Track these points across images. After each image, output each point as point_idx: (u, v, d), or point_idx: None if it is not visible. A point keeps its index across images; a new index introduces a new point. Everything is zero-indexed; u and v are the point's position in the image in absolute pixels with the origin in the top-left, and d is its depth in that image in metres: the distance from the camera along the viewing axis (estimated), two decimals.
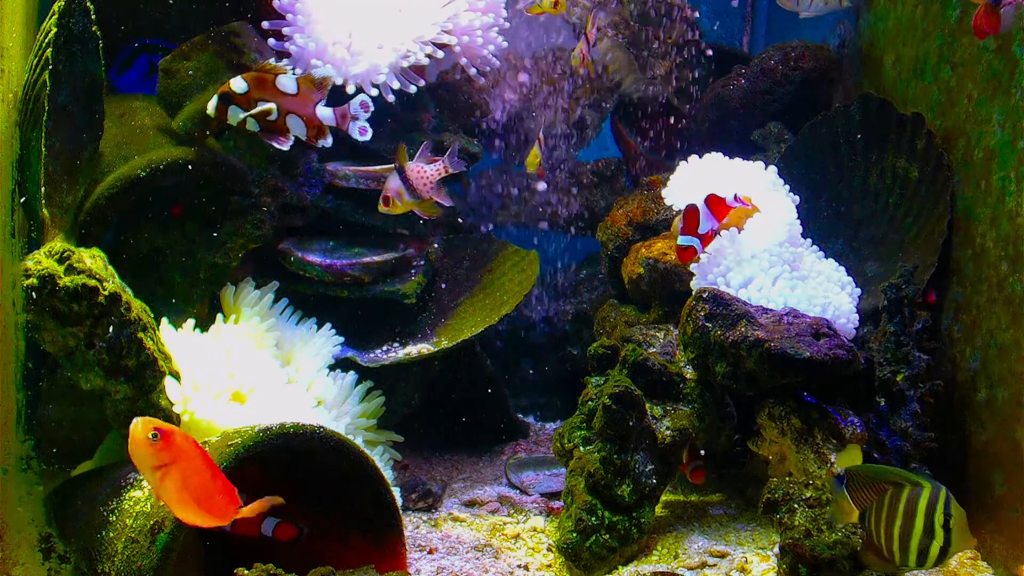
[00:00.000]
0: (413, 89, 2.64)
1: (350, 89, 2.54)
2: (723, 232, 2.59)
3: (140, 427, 1.59)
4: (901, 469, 1.96)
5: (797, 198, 2.69)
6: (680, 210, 2.60)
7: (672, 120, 3.44)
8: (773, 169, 2.74)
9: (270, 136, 2.29)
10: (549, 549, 2.35)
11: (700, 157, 2.78)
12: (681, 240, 2.45)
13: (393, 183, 2.40)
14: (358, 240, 2.75)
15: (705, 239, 2.46)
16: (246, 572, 1.74)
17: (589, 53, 2.93)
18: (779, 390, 2.24)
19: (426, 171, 2.39)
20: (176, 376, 2.12)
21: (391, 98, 2.59)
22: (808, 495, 2.01)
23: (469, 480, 2.84)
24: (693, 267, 2.59)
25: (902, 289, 2.46)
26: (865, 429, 2.22)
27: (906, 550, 1.78)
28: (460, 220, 3.18)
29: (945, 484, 2.45)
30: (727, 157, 2.78)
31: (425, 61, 2.63)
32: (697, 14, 3.45)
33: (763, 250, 2.49)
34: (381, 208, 2.45)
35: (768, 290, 2.45)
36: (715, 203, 2.46)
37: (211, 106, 2.25)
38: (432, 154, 2.47)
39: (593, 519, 2.24)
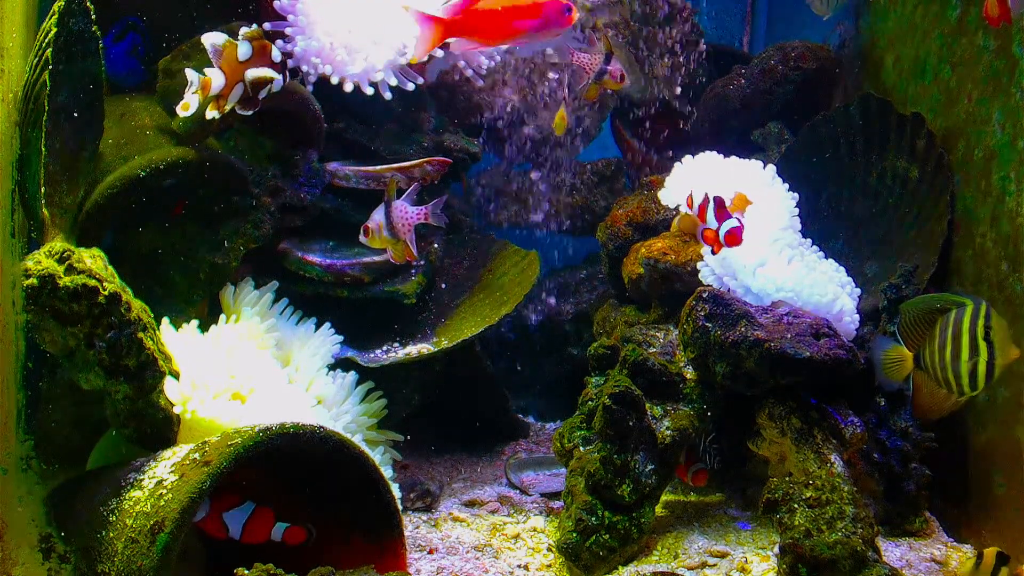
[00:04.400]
0: (411, 87, 2.63)
1: (348, 87, 2.54)
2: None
3: None
4: (947, 293, 1.89)
5: (796, 195, 2.69)
6: (684, 209, 2.60)
7: (672, 120, 3.43)
8: (772, 167, 2.74)
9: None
10: (549, 549, 2.35)
11: (694, 156, 2.78)
12: (726, 225, 2.33)
13: (377, 215, 2.37)
14: (358, 240, 2.74)
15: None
16: (246, 572, 1.74)
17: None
18: (779, 390, 2.24)
19: (409, 212, 2.36)
20: (176, 376, 2.11)
21: (388, 95, 2.58)
22: (808, 495, 2.01)
23: (469, 480, 2.84)
24: (702, 254, 2.58)
25: (902, 289, 2.47)
26: (865, 429, 2.22)
27: (959, 375, 1.73)
28: (461, 219, 3.18)
29: (945, 484, 2.45)
30: (725, 156, 2.78)
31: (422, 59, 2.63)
32: (697, 13, 3.45)
33: (768, 234, 2.49)
34: (361, 238, 2.42)
35: (783, 270, 2.43)
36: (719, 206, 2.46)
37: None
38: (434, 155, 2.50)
39: (593, 519, 2.24)
